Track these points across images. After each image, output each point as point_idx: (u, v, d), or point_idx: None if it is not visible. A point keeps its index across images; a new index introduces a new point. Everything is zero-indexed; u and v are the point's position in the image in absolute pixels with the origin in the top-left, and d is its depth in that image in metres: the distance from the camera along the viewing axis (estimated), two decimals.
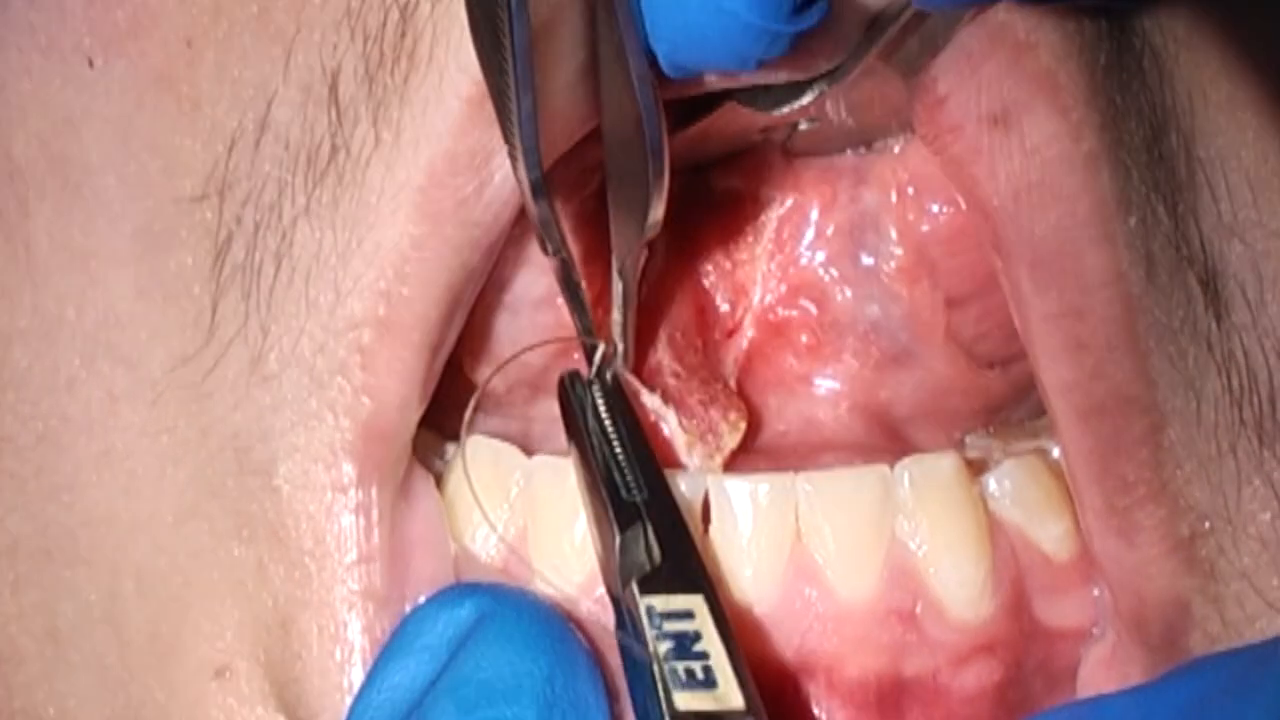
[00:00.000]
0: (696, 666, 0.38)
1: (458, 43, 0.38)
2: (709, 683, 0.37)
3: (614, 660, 0.40)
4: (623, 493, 0.40)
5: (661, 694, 0.37)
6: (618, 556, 0.39)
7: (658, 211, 0.38)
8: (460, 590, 0.40)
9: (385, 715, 0.38)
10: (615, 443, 0.41)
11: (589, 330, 0.42)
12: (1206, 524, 0.41)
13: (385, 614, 0.41)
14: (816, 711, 0.42)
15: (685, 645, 0.38)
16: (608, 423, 0.41)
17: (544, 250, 0.40)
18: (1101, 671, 0.43)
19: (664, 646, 0.38)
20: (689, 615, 0.38)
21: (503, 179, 0.39)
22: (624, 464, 0.41)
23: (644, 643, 0.38)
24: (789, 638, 0.42)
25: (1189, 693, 0.36)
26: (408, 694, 0.39)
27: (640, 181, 0.37)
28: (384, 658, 0.40)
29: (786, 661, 0.42)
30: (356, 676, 0.40)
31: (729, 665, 0.38)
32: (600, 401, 0.42)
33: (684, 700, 0.37)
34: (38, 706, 0.43)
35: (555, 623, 0.39)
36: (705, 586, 0.39)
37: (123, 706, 0.42)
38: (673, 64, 0.36)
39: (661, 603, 0.39)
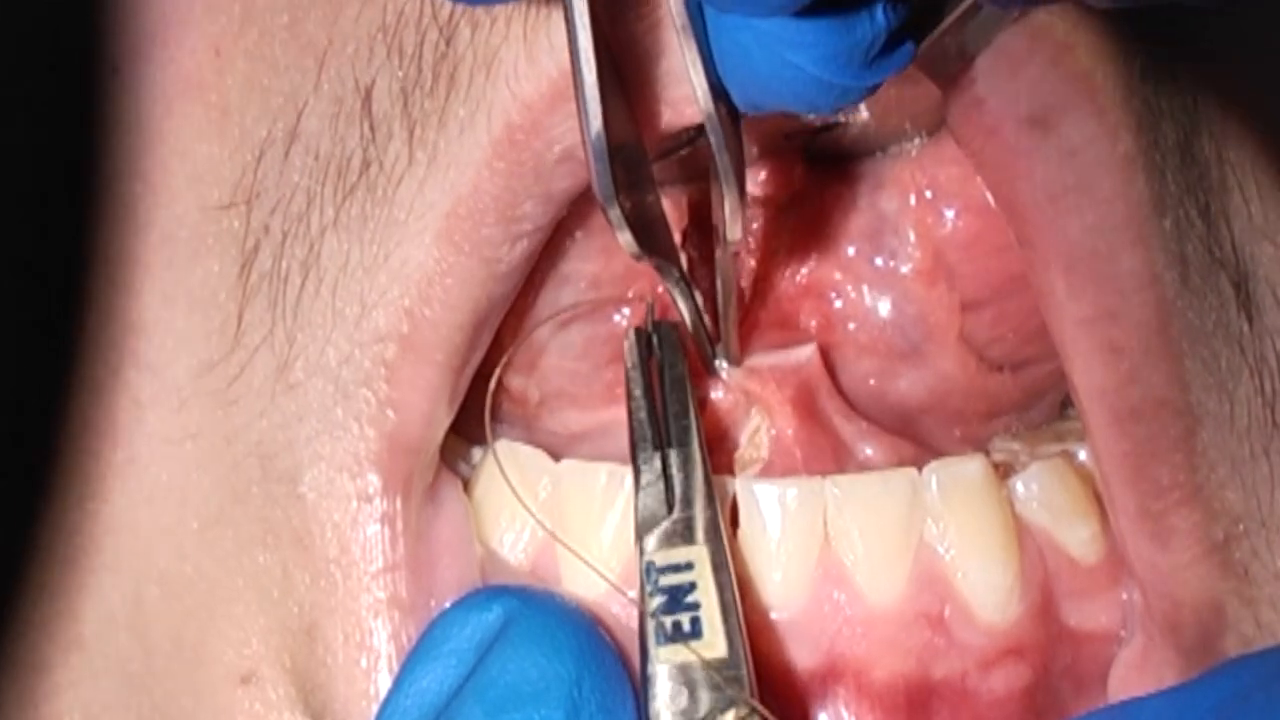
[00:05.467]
0: (685, 618, 0.38)
1: (498, 74, 0.38)
2: (694, 633, 0.38)
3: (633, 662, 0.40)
4: (651, 447, 0.41)
5: (641, 649, 0.38)
6: (636, 511, 0.40)
7: (734, 231, 0.38)
8: (487, 594, 0.40)
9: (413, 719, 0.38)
10: (657, 399, 0.41)
11: (698, 323, 0.42)
12: (1240, 527, 0.41)
13: (411, 621, 0.41)
14: (845, 714, 0.42)
15: (678, 598, 0.38)
16: (654, 379, 0.42)
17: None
18: (1134, 675, 0.43)
19: (656, 601, 0.38)
20: (688, 567, 0.39)
21: (531, 224, 0.39)
22: (660, 420, 0.41)
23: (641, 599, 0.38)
24: (818, 641, 0.42)
25: (1223, 692, 0.35)
26: (435, 698, 0.39)
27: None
28: (411, 662, 0.40)
29: (815, 665, 0.42)
30: (383, 683, 0.40)
31: (719, 614, 0.38)
32: (653, 357, 0.42)
33: (665, 654, 0.38)
34: (62, 713, 0.43)
35: (583, 625, 0.39)
36: (714, 536, 0.39)
37: (148, 712, 0.42)
38: (746, 104, 0.35)
39: (662, 556, 0.39)
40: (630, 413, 0.41)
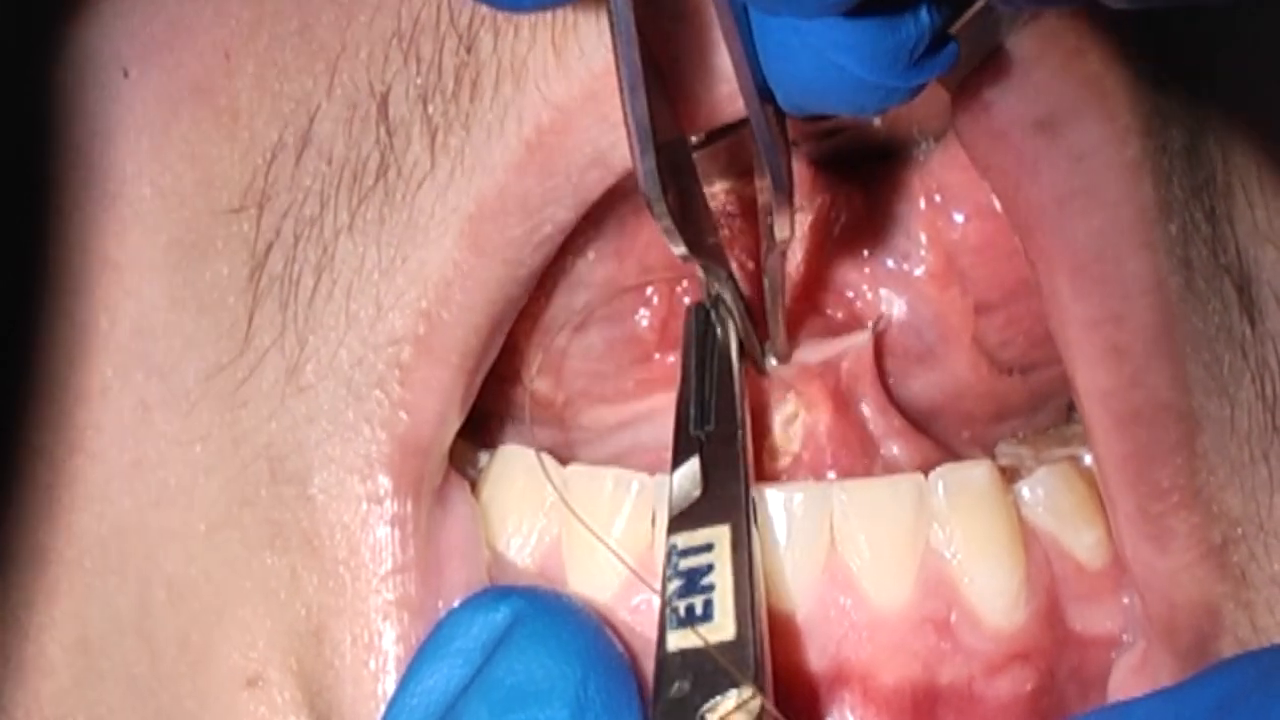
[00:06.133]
0: (698, 601, 0.37)
1: (527, 80, 0.38)
2: (706, 616, 0.37)
3: (650, 665, 0.40)
4: (691, 428, 0.40)
5: (659, 634, 0.37)
6: (671, 492, 0.39)
7: (783, 230, 0.38)
8: (495, 593, 0.40)
9: (419, 718, 0.38)
10: (706, 379, 0.41)
11: (747, 322, 0.42)
12: (1239, 530, 0.41)
13: (419, 623, 0.41)
14: (851, 719, 0.42)
15: (694, 580, 0.38)
16: (706, 357, 0.41)
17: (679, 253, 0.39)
18: (1133, 679, 0.43)
19: (673, 585, 0.38)
20: (708, 548, 0.38)
21: (554, 227, 0.40)
22: (704, 399, 0.41)
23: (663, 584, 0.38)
24: (824, 646, 0.42)
25: (1215, 693, 0.36)
26: (442, 697, 0.39)
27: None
28: (418, 661, 0.39)
29: (822, 669, 0.42)
30: (390, 685, 0.40)
31: (731, 595, 0.37)
32: (707, 337, 0.42)
33: (674, 639, 0.37)
34: (68, 716, 0.43)
35: (589, 625, 0.39)
36: (738, 516, 0.39)
37: (153, 715, 0.42)
38: (790, 105, 0.36)
39: (684, 539, 0.39)
40: (680, 391, 0.41)
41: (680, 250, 0.37)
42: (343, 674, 0.40)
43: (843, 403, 0.44)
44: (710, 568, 0.38)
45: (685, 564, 0.38)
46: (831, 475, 0.44)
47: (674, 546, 0.38)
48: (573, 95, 0.38)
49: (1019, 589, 0.43)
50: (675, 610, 0.37)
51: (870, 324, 0.45)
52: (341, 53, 0.40)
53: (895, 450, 0.45)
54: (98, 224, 0.42)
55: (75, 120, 0.43)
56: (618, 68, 0.34)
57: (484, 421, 0.45)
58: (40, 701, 0.43)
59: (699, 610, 0.37)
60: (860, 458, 0.44)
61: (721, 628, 0.37)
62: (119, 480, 0.42)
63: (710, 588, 0.37)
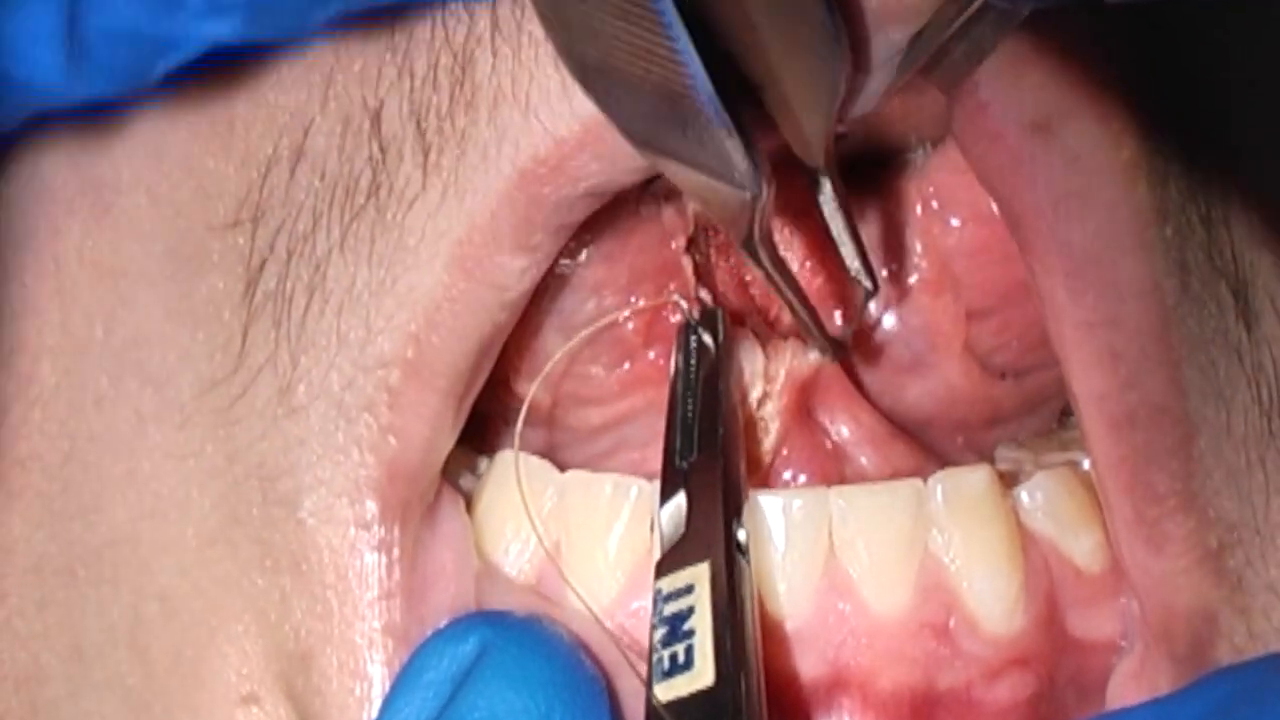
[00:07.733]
0: (680, 649, 0.36)
1: (528, 108, 0.38)
2: (688, 664, 0.36)
3: (630, 683, 0.40)
4: (677, 459, 0.40)
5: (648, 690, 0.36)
6: (661, 534, 0.39)
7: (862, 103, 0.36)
8: (465, 624, 0.40)
9: None
10: (690, 401, 0.40)
11: (812, 320, 0.41)
12: (1235, 535, 0.41)
13: (404, 649, 0.40)
14: None
15: (677, 626, 0.37)
16: (693, 380, 0.41)
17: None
18: (1130, 684, 0.43)
19: (659, 633, 0.37)
20: (689, 590, 0.37)
21: (543, 254, 0.39)
22: (690, 428, 0.40)
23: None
24: (823, 652, 0.42)
25: (1209, 702, 0.36)
26: None
27: None
28: (393, 694, 0.39)
29: (820, 675, 0.42)
30: (375, 713, 0.40)
31: (710, 639, 0.36)
32: (695, 358, 0.41)
33: (661, 691, 0.36)
34: None
35: (559, 655, 0.39)
36: (716, 552, 0.38)
37: None
38: None
39: (668, 583, 0.38)
40: (667, 420, 0.40)
41: (757, 187, 0.36)
42: (329, 700, 0.40)
43: (807, 412, 0.44)
44: (691, 611, 0.37)
45: (669, 609, 0.37)
46: (803, 479, 0.44)
47: (659, 591, 0.38)
48: (573, 130, 0.38)
49: (1018, 594, 0.43)
50: (661, 661, 0.36)
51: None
52: (336, 65, 0.40)
53: (864, 460, 0.45)
54: (94, 232, 0.42)
55: (73, 127, 0.42)
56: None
57: (481, 425, 0.44)
58: (35, 710, 0.43)
59: (681, 658, 0.36)
60: (831, 463, 0.44)
61: (701, 674, 0.36)
62: (113, 490, 0.42)
63: (691, 633, 0.36)
